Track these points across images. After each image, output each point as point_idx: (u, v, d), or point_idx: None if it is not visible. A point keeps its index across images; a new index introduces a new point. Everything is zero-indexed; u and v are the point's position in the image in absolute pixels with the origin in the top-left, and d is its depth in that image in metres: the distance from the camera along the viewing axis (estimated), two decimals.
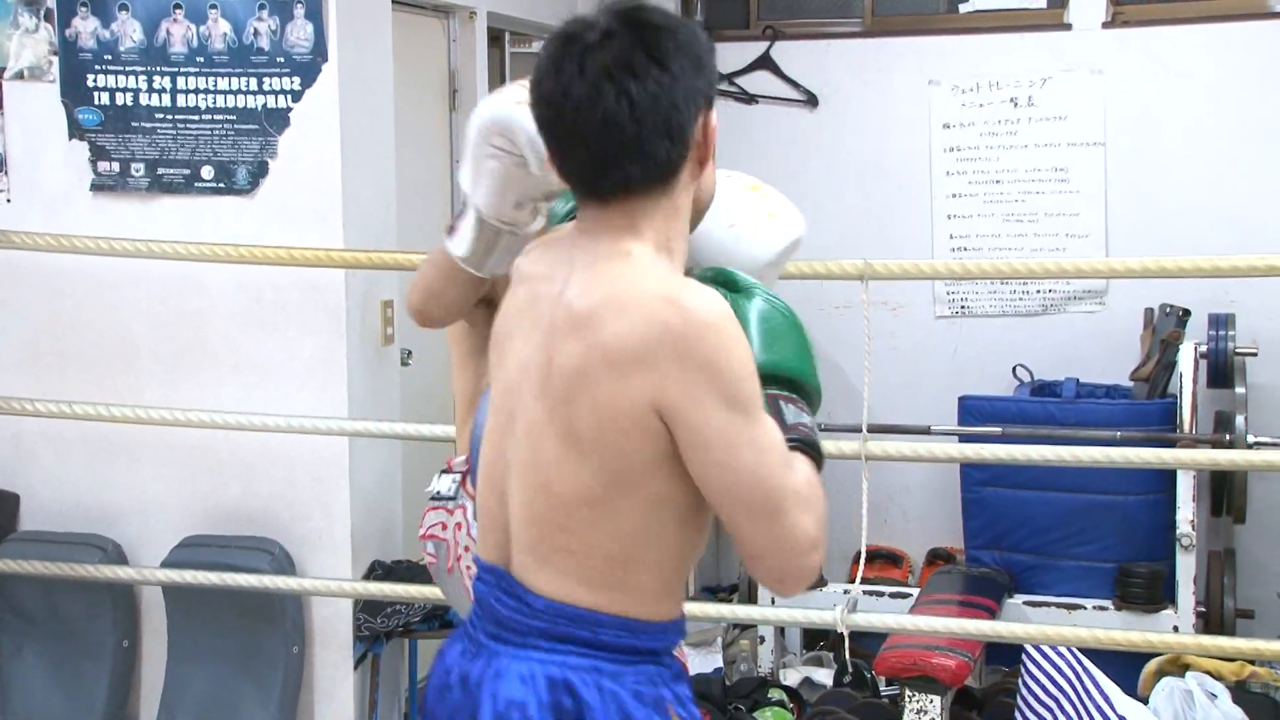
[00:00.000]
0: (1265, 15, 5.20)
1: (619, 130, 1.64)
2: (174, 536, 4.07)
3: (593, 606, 1.69)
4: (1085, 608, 4.64)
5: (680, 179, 1.72)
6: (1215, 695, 3.94)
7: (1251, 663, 4.10)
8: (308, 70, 3.91)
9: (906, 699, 3.93)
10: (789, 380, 1.76)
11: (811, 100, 5.54)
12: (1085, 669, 3.95)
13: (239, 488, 4.08)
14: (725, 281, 1.82)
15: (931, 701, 3.90)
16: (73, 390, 4.09)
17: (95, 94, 4.03)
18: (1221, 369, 4.77)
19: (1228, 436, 4.60)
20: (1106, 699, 3.87)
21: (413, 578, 4.04)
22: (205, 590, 3.90)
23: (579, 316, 1.65)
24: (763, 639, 4.76)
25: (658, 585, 1.72)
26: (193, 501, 4.11)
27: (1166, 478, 4.57)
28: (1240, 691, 3.98)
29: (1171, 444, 4.51)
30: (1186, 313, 4.92)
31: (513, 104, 2.05)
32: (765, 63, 5.57)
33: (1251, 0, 5.22)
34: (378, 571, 4.12)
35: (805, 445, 1.71)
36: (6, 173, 4.14)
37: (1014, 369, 5.25)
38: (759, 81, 5.59)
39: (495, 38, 5.15)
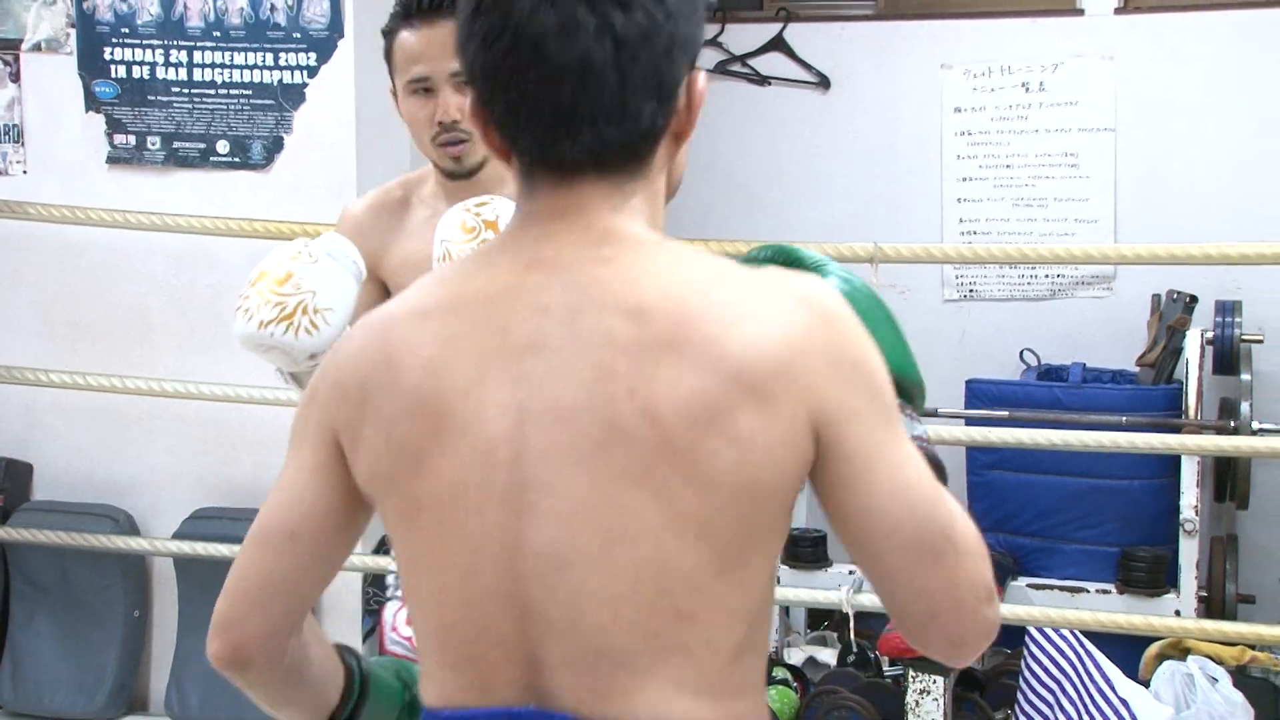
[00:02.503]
0: (1257, 4, 5.18)
1: (597, 77, 1.22)
2: (185, 508, 4.09)
3: None
4: (1088, 591, 4.61)
5: (659, 152, 1.30)
6: (1216, 679, 3.94)
7: (1252, 647, 4.10)
8: (324, 46, 3.91)
9: (910, 679, 3.93)
10: (895, 380, 1.30)
11: (824, 82, 5.52)
12: (1088, 652, 3.96)
13: (250, 461, 4.09)
14: (789, 260, 1.42)
15: (934, 682, 3.89)
16: (86, 362, 4.10)
17: (112, 67, 4.03)
18: (1227, 356, 4.74)
19: (1232, 423, 4.56)
20: (1108, 681, 3.88)
21: None
22: (216, 562, 3.91)
23: (664, 330, 1.20)
24: None
25: (761, 677, 1.31)
26: (204, 474, 4.11)
27: (1170, 463, 4.55)
28: (1240, 676, 3.99)
29: (1176, 429, 4.50)
30: (1193, 299, 4.90)
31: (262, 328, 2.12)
32: (778, 44, 5.54)
33: None
34: (386, 547, 4.12)
35: (931, 464, 1.29)
36: (23, 144, 4.14)
37: (1021, 353, 5.24)
38: (772, 63, 5.56)
39: None
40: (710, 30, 5.59)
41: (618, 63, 1.22)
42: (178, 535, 4.02)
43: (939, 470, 1.31)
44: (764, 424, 1.19)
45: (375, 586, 4.09)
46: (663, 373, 1.19)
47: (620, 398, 1.20)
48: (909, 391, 1.36)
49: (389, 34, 2.40)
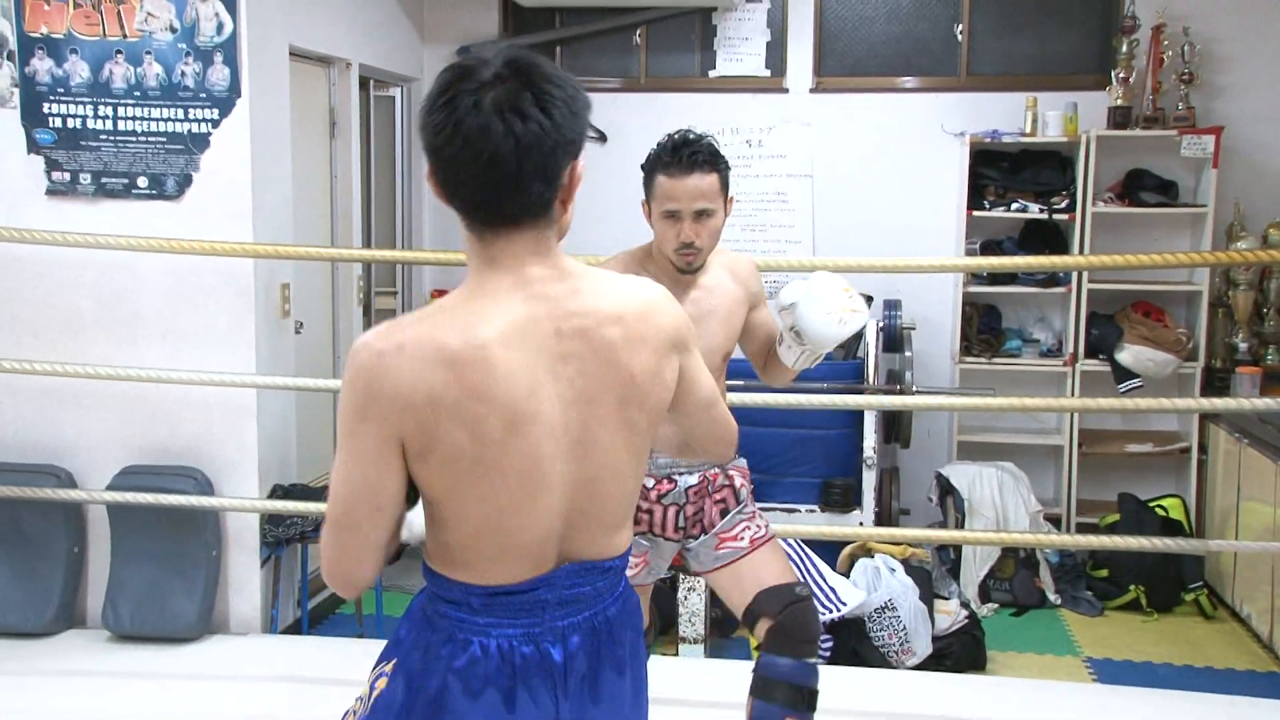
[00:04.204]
0: (906, 90, 5.52)
1: (503, 166, 1.40)
2: (115, 466, 4.01)
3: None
4: (800, 511, 4.74)
5: (551, 215, 1.48)
6: (893, 569, 4.24)
7: (911, 545, 4.40)
8: (225, 104, 3.86)
9: (680, 579, 4.04)
10: None
11: (602, 137, 5.54)
12: (804, 553, 4.21)
13: (168, 428, 4.03)
14: None
15: (698, 581, 4.03)
16: (32, 352, 3.97)
17: (50, 119, 3.91)
18: (893, 339, 4.96)
19: (898, 387, 4.81)
20: (820, 573, 4.14)
21: (306, 496, 4.06)
22: (142, 507, 3.85)
23: (634, 330, 1.51)
24: None
25: None
26: (130, 439, 4.03)
27: (856, 416, 4.72)
28: (906, 566, 4.29)
29: (860, 392, 4.66)
30: (870, 298, 5.09)
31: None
32: None
33: (894, 81, 5.53)
34: (278, 492, 4.12)
35: None
36: None
37: None
38: None
39: (364, 84, 5.13)
40: None
41: (516, 156, 1.40)
42: (110, 487, 3.94)
43: None
44: (668, 374, 1.58)
45: (270, 524, 4.08)
46: (639, 359, 1.51)
47: (622, 379, 1.50)
48: None
49: (649, 172, 2.58)
